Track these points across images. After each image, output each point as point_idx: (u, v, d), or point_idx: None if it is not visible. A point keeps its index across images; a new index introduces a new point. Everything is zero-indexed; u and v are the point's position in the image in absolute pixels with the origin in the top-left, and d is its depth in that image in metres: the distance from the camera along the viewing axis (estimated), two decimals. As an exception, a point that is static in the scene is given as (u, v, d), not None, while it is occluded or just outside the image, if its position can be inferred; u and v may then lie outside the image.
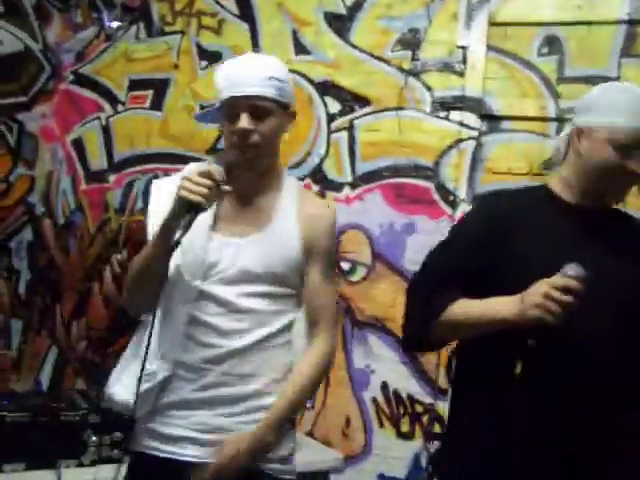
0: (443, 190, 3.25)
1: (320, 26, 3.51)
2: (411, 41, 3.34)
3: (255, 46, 3.63)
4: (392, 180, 3.34)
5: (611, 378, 1.78)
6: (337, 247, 1.96)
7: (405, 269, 3.28)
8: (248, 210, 1.85)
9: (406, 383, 3.25)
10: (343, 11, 3.46)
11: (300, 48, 3.54)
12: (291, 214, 1.85)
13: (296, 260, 1.82)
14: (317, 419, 3.37)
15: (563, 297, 1.61)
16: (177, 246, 1.66)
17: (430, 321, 1.80)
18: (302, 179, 3.43)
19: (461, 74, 3.24)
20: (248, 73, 1.77)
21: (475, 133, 3.21)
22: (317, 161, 3.46)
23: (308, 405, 3.31)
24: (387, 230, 3.32)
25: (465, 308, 1.78)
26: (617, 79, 3.00)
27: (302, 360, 1.86)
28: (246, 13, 3.66)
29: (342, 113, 3.44)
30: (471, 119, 3.21)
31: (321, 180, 3.45)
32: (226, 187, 1.72)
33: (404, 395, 3.26)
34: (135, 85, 3.90)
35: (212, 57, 3.72)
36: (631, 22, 2.99)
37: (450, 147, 3.24)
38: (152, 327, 1.73)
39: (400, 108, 3.34)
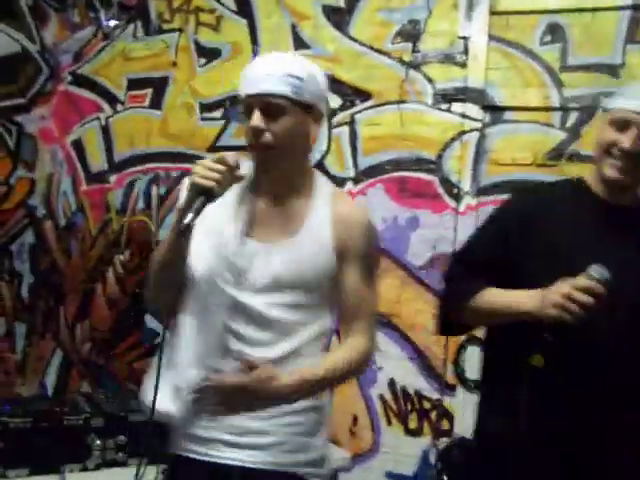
0: (447, 183, 3.21)
1: (319, 20, 3.47)
2: (411, 33, 3.30)
3: (254, 42, 3.60)
4: (395, 174, 3.30)
5: (624, 376, 1.78)
6: (375, 252, 1.84)
7: (410, 264, 3.24)
8: (280, 214, 1.80)
9: (413, 379, 3.22)
10: (342, 4, 3.42)
11: (299, 43, 3.50)
12: (324, 217, 1.79)
13: (328, 264, 1.76)
14: (324, 418, 3.34)
15: (583, 298, 1.64)
16: (186, 230, 1.63)
17: (460, 307, 1.90)
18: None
19: (463, 65, 3.20)
20: (263, 71, 1.73)
21: (478, 124, 3.17)
22: (318, 157, 3.42)
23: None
24: (391, 225, 3.28)
25: (493, 298, 1.85)
26: (621, 66, 2.96)
27: (335, 350, 1.82)
28: (244, 9, 3.62)
29: (343, 108, 3.41)
30: (474, 110, 3.17)
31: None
32: (240, 173, 1.69)
33: (411, 391, 3.22)
34: (134, 84, 3.87)
35: (211, 54, 3.69)
36: (635, 7, 2.95)
37: (453, 139, 3.20)
38: (163, 337, 1.72)
39: (401, 101, 3.30)
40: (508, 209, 2.01)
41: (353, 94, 3.39)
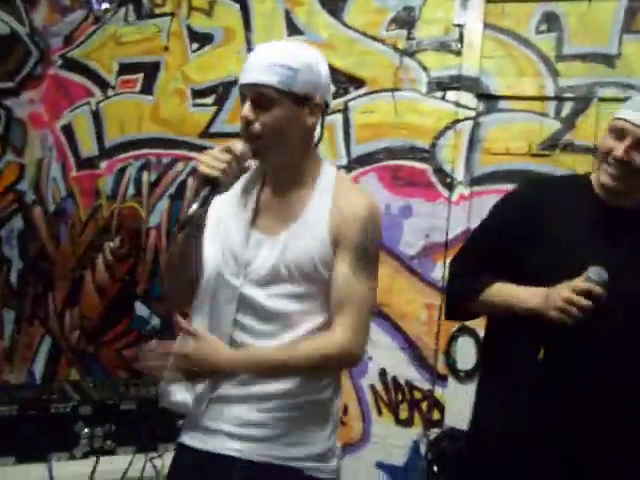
0: (440, 172, 3.19)
1: (313, 6, 3.44)
2: (406, 20, 3.27)
3: (247, 28, 3.56)
4: (388, 162, 3.28)
5: (619, 373, 1.81)
6: (372, 245, 1.75)
7: (402, 253, 3.22)
8: (281, 205, 1.78)
9: (404, 369, 3.21)
10: (336, -10, 3.39)
11: (293, 29, 3.47)
12: (323, 207, 1.75)
13: (325, 254, 1.72)
14: (314, 407, 3.33)
15: (583, 302, 1.72)
16: (190, 220, 1.62)
17: (469, 298, 1.98)
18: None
19: (458, 53, 3.18)
20: (255, 60, 1.70)
21: (472, 113, 3.14)
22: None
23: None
24: (383, 213, 3.25)
25: (500, 293, 1.92)
26: (617, 56, 2.95)
27: (308, 339, 1.75)
28: (237, -7, 3.59)
29: (336, 95, 3.36)
30: (468, 99, 3.15)
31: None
32: (248, 163, 1.67)
33: (402, 382, 3.21)
34: (125, 69, 3.83)
35: (203, 39, 3.65)
36: (632, -3, 2.93)
37: (447, 128, 3.18)
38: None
39: (395, 89, 3.28)
40: (514, 197, 2.05)
41: (347, 81, 3.36)
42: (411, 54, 3.26)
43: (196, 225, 1.70)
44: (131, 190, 3.79)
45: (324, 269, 1.73)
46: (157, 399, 1.84)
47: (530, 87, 3.08)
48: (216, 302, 1.77)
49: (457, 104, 3.16)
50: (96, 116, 3.88)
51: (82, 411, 2.51)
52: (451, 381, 3.13)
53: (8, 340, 3.93)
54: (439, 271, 3.15)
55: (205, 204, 1.62)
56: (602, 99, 2.96)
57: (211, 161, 1.63)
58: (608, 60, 2.96)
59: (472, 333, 3.06)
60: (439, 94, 3.20)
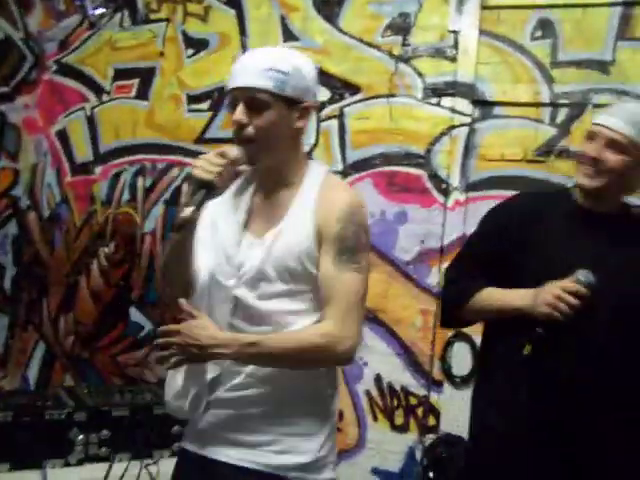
0: (435, 178, 3.19)
1: (308, 12, 3.44)
2: (401, 26, 3.27)
3: (242, 33, 3.56)
4: (383, 168, 3.28)
5: (606, 370, 1.89)
6: (356, 236, 1.75)
7: (397, 258, 3.22)
8: (270, 208, 1.81)
9: (400, 375, 3.20)
10: (332, -4, 3.39)
11: (288, 34, 3.47)
12: (308, 205, 1.77)
13: (308, 250, 1.74)
14: (310, 413, 3.32)
15: (571, 300, 1.83)
16: (185, 223, 1.66)
17: (462, 303, 2.05)
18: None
19: (453, 59, 3.18)
20: (247, 64, 1.73)
21: (468, 119, 3.15)
22: (307, 150, 3.39)
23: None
24: (379, 219, 3.26)
25: (490, 296, 2.02)
26: (612, 63, 2.95)
27: (299, 329, 1.75)
28: (233, -1, 3.59)
29: (332, 101, 3.38)
30: (463, 105, 3.16)
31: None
32: (242, 167, 1.71)
33: (398, 387, 3.21)
34: (120, 74, 3.83)
35: (198, 45, 3.65)
36: (626, 4, 2.94)
37: (442, 134, 3.18)
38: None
39: (391, 95, 3.28)
40: (513, 205, 2.14)
41: (342, 87, 3.36)
42: (406, 60, 3.26)
43: (191, 227, 1.73)
44: (126, 195, 3.78)
45: (312, 266, 1.74)
46: (152, 406, 1.85)
47: (525, 93, 3.08)
48: (211, 305, 1.79)
49: (452, 110, 3.16)
50: (91, 121, 3.87)
51: (77, 418, 2.51)
52: (447, 387, 3.13)
53: (2, 346, 3.91)
54: (434, 277, 3.15)
55: (200, 207, 1.66)
56: (597, 105, 2.96)
57: (206, 165, 1.66)
58: (603, 66, 2.97)
59: (468, 339, 3.06)
60: (434, 100, 3.20)
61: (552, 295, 1.85)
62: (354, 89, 3.35)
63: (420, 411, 3.17)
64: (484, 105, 3.15)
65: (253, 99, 1.70)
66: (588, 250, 1.93)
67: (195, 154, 3.39)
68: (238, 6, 3.58)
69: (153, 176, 3.72)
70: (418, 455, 3.12)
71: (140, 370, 3.66)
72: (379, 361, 3.22)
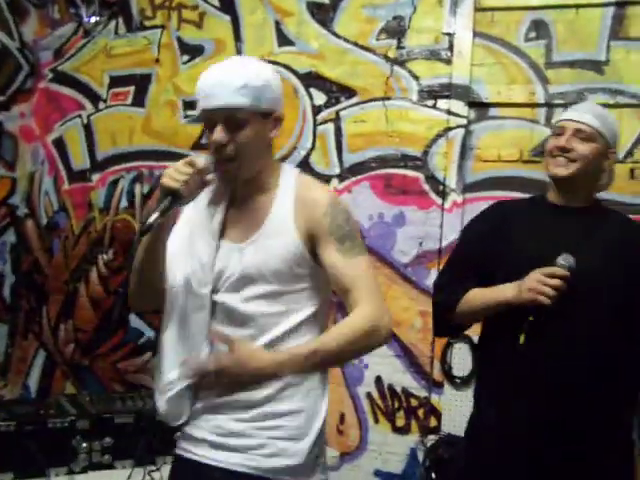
0: (432, 180, 3.21)
1: (303, 16, 3.45)
2: (396, 29, 3.29)
3: (237, 39, 3.57)
4: (380, 171, 3.30)
5: (603, 355, 1.97)
6: (347, 223, 1.78)
7: (396, 261, 3.24)
8: (248, 214, 1.82)
9: (400, 377, 3.22)
10: (326, 0, 3.40)
11: (283, 39, 3.49)
12: (287, 206, 1.79)
13: (296, 250, 1.76)
14: (311, 416, 3.33)
15: (553, 282, 1.92)
16: (149, 229, 1.66)
17: (451, 307, 2.13)
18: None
19: (448, 61, 3.20)
20: (220, 83, 1.72)
21: (464, 121, 3.17)
22: (304, 154, 3.41)
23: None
24: (377, 222, 3.27)
25: (476, 295, 2.10)
26: (606, 63, 2.98)
27: (339, 323, 1.76)
28: (227, 5, 3.60)
29: (328, 104, 3.39)
30: (459, 107, 3.17)
31: (308, 173, 3.32)
32: (210, 176, 1.71)
33: (399, 389, 3.22)
34: (116, 81, 3.83)
35: (194, 51, 3.66)
36: (619, 4, 2.96)
37: (439, 136, 3.20)
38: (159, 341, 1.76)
39: (387, 98, 3.29)
40: (486, 214, 2.26)
41: (338, 91, 3.38)
42: (401, 63, 3.28)
43: (157, 233, 1.74)
44: (124, 202, 3.79)
45: (297, 266, 1.76)
46: (154, 412, 1.86)
47: (520, 94, 3.10)
48: (184, 312, 1.80)
49: (448, 112, 3.18)
50: (87, 129, 3.88)
51: (80, 425, 2.51)
52: (447, 388, 3.14)
53: (2, 354, 3.91)
54: (433, 278, 3.14)
55: (164, 214, 1.67)
56: (592, 105, 2.99)
57: (173, 174, 1.68)
58: (597, 66, 2.99)
59: (467, 340, 3.07)
60: (430, 102, 3.22)
61: (535, 280, 1.93)
62: (350, 93, 3.36)
63: (421, 412, 3.18)
64: (480, 106, 3.17)
65: (231, 117, 1.71)
66: (565, 240, 2.02)
67: (192, 160, 3.44)
68: (233, 12, 3.59)
69: (150, 183, 3.73)
70: (420, 456, 3.13)
71: (140, 376, 3.66)
72: (379, 363, 3.23)
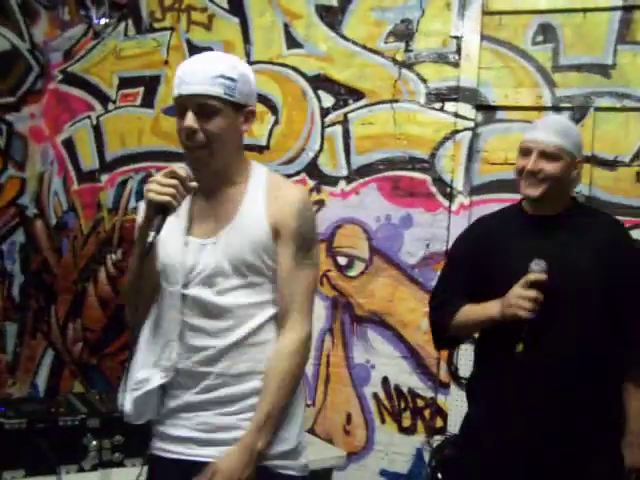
0: (440, 182, 3.23)
1: (312, 19, 3.47)
2: (404, 32, 3.31)
3: (246, 41, 3.59)
4: (388, 173, 3.31)
5: (596, 355, 2.04)
6: (310, 233, 1.85)
7: (403, 262, 3.26)
8: (218, 206, 1.85)
9: (407, 378, 3.24)
10: (335, 3, 3.42)
11: (292, 42, 3.50)
12: (259, 201, 1.83)
13: (266, 244, 1.80)
14: (318, 417, 3.35)
15: (531, 293, 1.99)
16: (150, 249, 1.67)
17: (445, 325, 2.24)
18: (297, 174, 3.41)
19: (455, 65, 3.22)
20: (196, 71, 1.75)
21: (471, 124, 3.18)
22: (312, 156, 3.43)
23: (309, 402, 3.29)
24: (384, 224, 3.29)
25: (467, 312, 2.20)
26: (613, 66, 2.99)
27: (272, 355, 1.80)
28: (236, 7, 3.62)
29: (336, 107, 3.41)
30: (466, 110, 3.19)
31: (316, 175, 3.42)
32: (193, 183, 1.73)
33: (405, 390, 3.24)
34: (125, 83, 3.86)
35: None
36: (626, 8, 2.97)
37: (446, 139, 3.22)
38: (134, 337, 1.78)
39: (394, 100, 3.31)
40: (471, 229, 2.37)
41: (346, 93, 3.40)
42: (409, 66, 3.29)
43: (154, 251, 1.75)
44: (132, 203, 3.80)
45: (268, 257, 1.80)
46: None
47: (527, 97, 3.12)
48: (160, 310, 1.83)
49: (456, 115, 3.20)
50: (97, 130, 3.90)
51: (90, 424, 2.54)
52: (453, 388, 3.16)
53: (11, 353, 3.94)
54: (440, 280, 3.18)
55: (160, 230, 1.67)
56: (598, 108, 3.00)
57: (159, 188, 1.67)
58: (604, 70, 3.01)
59: (473, 341, 3.08)
60: (438, 105, 3.24)
61: (514, 296, 2.02)
62: (358, 95, 3.38)
63: (427, 413, 3.20)
64: (487, 109, 3.19)
65: (204, 105, 1.74)
66: (543, 248, 2.09)
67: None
68: (242, 14, 3.61)
69: (159, 183, 3.74)
70: (426, 456, 3.15)
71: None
72: (386, 364, 3.26)
